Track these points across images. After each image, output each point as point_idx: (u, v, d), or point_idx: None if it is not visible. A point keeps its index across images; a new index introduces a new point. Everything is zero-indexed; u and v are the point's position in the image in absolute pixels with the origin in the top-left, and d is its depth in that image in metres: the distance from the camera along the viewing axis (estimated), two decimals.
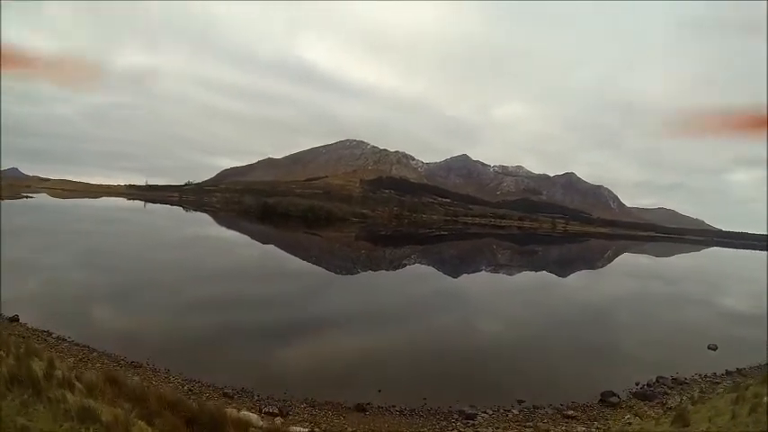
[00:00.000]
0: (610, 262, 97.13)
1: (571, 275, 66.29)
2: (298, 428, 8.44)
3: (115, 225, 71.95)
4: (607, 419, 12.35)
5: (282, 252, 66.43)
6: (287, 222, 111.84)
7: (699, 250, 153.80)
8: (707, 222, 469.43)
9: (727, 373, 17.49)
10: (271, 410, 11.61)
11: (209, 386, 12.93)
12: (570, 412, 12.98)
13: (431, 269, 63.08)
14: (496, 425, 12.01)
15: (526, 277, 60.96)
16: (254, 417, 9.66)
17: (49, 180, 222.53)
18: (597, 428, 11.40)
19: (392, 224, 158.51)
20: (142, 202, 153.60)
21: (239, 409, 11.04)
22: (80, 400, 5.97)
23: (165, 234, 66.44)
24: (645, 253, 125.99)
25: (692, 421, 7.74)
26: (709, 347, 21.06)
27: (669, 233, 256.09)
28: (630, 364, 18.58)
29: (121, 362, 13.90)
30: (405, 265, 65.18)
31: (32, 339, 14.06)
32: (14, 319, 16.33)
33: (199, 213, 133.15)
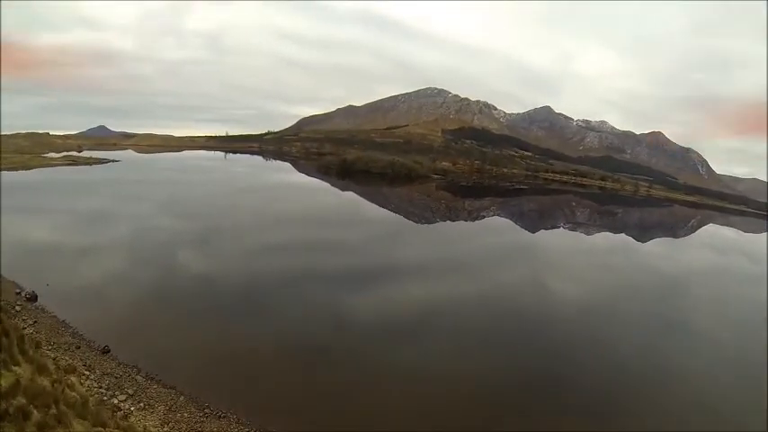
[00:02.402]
0: (693, 232, 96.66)
1: (649, 242, 67.81)
2: None
3: (207, 174, 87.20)
4: None
5: (366, 202, 76.40)
6: (368, 180, 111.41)
7: None
8: None
9: None
10: None
11: None
12: None
13: (509, 222, 69.72)
14: None
15: (603, 239, 64.60)
16: None
17: (135, 135, 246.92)
18: None
19: (473, 178, 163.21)
20: (223, 153, 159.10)
21: None
22: None
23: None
24: (731, 226, 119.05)
25: None
26: None
27: (762, 209, 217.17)
28: None
29: (207, 411, 14.59)
30: (483, 217, 72.84)
31: (124, 380, 15.27)
32: (105, 351, 16.99)
33: (278, 162, 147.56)
